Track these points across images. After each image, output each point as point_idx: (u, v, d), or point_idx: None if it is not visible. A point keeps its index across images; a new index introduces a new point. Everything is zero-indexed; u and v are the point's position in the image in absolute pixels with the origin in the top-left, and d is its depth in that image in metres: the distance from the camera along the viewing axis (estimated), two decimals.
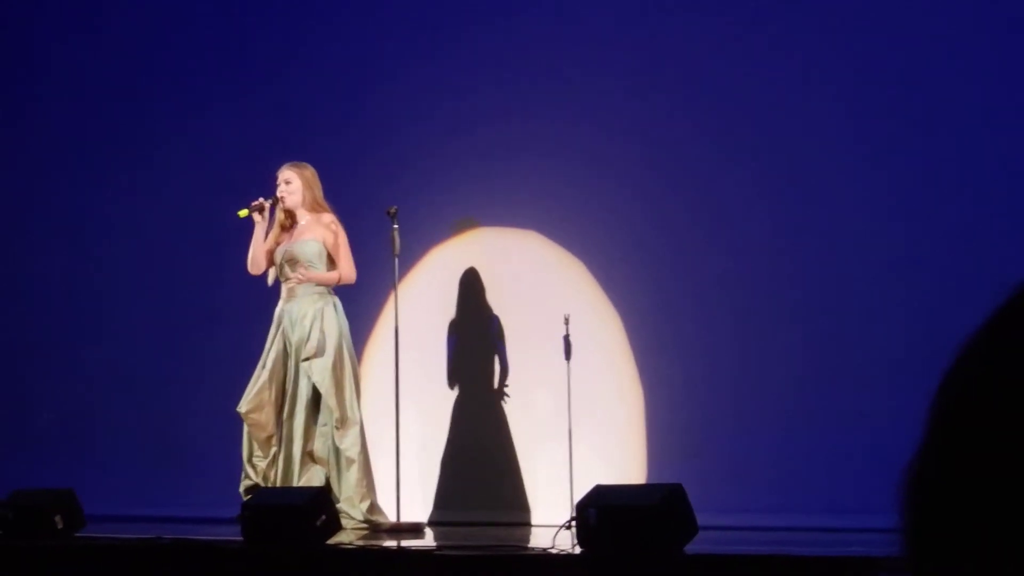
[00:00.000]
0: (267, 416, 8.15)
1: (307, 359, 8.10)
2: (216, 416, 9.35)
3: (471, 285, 9.16)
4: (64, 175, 10.94)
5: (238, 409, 8.14)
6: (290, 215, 8.35)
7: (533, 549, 6.27)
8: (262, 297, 8.45)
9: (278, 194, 8.31)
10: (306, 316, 8.14)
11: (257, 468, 8.13)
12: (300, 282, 8.17)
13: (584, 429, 8.43)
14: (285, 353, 8.18)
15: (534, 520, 8.69)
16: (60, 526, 7.30)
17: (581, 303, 8.71)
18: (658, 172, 8.62)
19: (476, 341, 9.13)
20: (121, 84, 10.79)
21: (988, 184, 7.69)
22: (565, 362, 8.50)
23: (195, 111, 10.37)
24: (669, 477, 6.72)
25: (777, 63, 8.29)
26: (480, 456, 9.02)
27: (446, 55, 9.41)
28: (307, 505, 6.53)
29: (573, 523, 5.82)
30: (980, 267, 7.33)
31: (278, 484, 8.02)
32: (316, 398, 8.12)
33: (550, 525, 6.81)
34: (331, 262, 8.25)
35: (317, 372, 8.09)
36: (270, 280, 8.35)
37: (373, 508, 8.10)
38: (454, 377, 9.14)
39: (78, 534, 7.36)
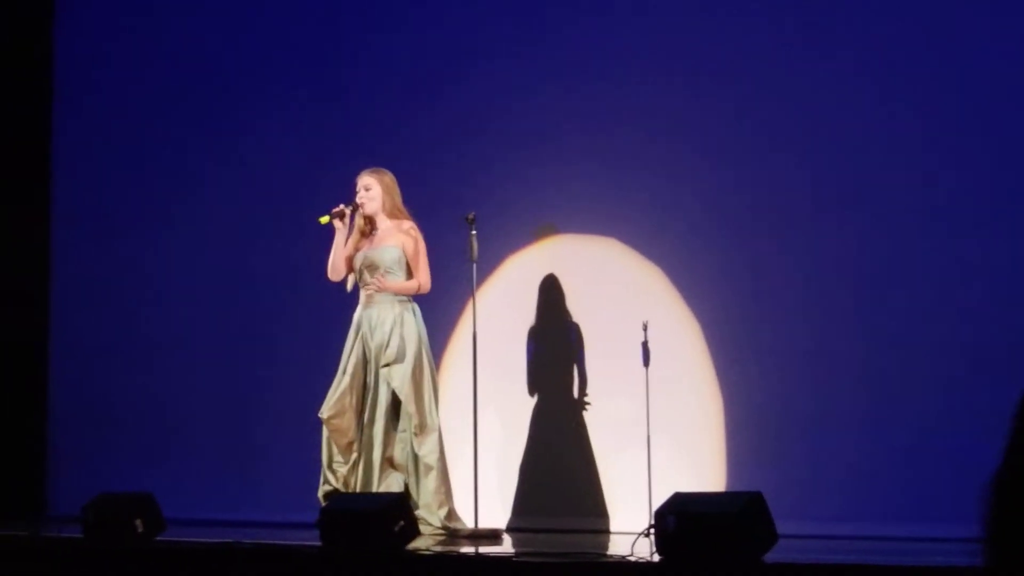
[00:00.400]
0: (348, 422, 8.17)
1: (387, 365, 8.12)
2: (292, 421, 9.39)
3: (551, 292, 9.15)
4: (142, 180, 11.01)
5: (320, 415, 8.17)
6: (370, 221, 8.37)
7: (611, 556, 6.24)
8: (338, 303, 8.47)
9: (357, 200, 8.34)
10: (385, 322, 8.16)
11: (337, 474, 8.15)
12: (377, 291, 8.19)
13: (663, 436, 8.40)
14: (364, 359, 8.20)
15: (612, 527, 8.67)
16: (140, 530, 7.35)
17: (660, 310, 8.68)
18: (735, 179, 8.57)
19: (556, 348, 9.10)
20: (200, 86, 10.84)
21: None
22: (643, 369, 8.48)
23: (275, 116, 10.41)
24: (748, 484, 6.69)
25: (852, 66, 8.23)
26: (559, 463, 9.00)
27: (527, 59, 9.40)
28: (386, 510, 6.54)
29: (652, 530, 5.80)
30: None
31: (358, 490, 8.04)
32: (395, 404, 8.14)
33: (629, 532, 6.79)
34: (409, 269, 8.26)
35: (397, 378, 8.10)
36: (349, 286, 8.37)
37: (451, 515, 8.11)
38: (534, 384, 9.13)
39: (158, 538, 7.41)
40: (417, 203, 8.47)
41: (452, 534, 7.93)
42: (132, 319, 10.93)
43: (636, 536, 6.13)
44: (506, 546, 7.57)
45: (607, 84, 9.06)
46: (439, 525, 8.00)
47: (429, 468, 8.06)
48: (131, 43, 11.22)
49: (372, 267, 8.24)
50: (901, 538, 7.26)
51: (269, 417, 10.06)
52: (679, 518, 5.62)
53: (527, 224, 9.30)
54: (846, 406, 8.05)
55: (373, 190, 8.33)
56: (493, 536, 7.99)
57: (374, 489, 7.99)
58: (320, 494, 8.12)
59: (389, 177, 8.38)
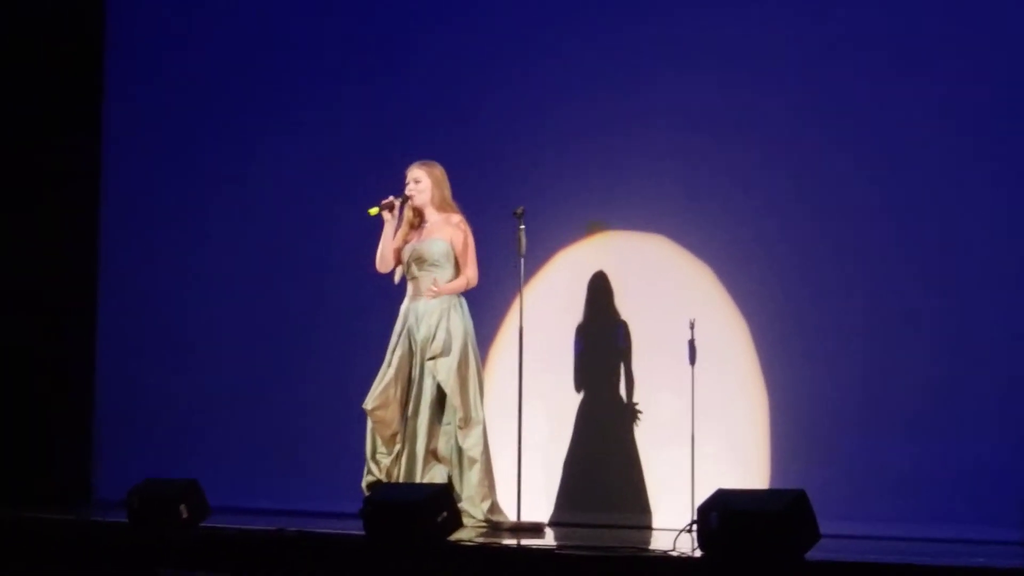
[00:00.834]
0: (392, 413, 8.19)
1: (432, 358, 8.14)
2: (336, 411, 9.42)
3: (599, 288, 9.15)
4: (188, 173, 11.07)
5: (364, 406, 8.19)
6: (419, 214, 8.38)
7: (653, 551, 6.25)
8: (381, 293, 8.50)
9: (407, 192, 8.35)
10: (432, 315, 8.17)
11: (380, 464, 8.17)
12: (434, 297, 8.19)
13: (707, 433, 8.40)
14: (410, 351, 8.22)
15: (655, 523, 8.67)
16: (185, 515, 7.39)
17: (707, 308, 8.68)
18: (785, 177, 8.55)
19: (603, 345, 9.10)
20: (248, 82, 10.89)
21: None
22: (690, 366, 8.48)
23: (324, 108, 10.44)
24: (792, 482, 6.68)
25: (908, 69, 8.19)
26: (602, 458, 9.01)
27: (579, 58, 9.40)
28: (429, 501, 6.55)
29: (694, 526, 5.80)
30: None
31: (401, 481, 8.05)
32: (440, 397, 8.15)
33: (671, 528, 6.79)
34: (456, 262, 8.27)
35: (442, 371, 8.12)
36: (396, 278, 8.39)
37: (494, 508, 8.13)
38: (580, 380, 9.13)
39: (202, 524, 7.45)
40: (466, 197, 8.48)
41: (494, 527, 7.95)
42: (178, 310, 11.00)
43: (678, 532, 6.13)
44: (548, 539, 7.57)
45: (660, 82, 9.05)
46: (482, 518, 8.01)
47: (473, 461, 8.08)
48: (179, 43, 11.31)
49: (420, 260, 8.25)
50: (945, 540, 7.24)
51: (314, 408, 10.10)
52: (722, 515, 5.62)
53: (576, 220, 9.30)
54: (891, 406, 8.02)
55: (423, 182, 8.35)
56: (535, 529, 8.00)
57: (417, 481, 8.01)
58: (364, 484, 8.14)
59: (439, 170, 8.40)
